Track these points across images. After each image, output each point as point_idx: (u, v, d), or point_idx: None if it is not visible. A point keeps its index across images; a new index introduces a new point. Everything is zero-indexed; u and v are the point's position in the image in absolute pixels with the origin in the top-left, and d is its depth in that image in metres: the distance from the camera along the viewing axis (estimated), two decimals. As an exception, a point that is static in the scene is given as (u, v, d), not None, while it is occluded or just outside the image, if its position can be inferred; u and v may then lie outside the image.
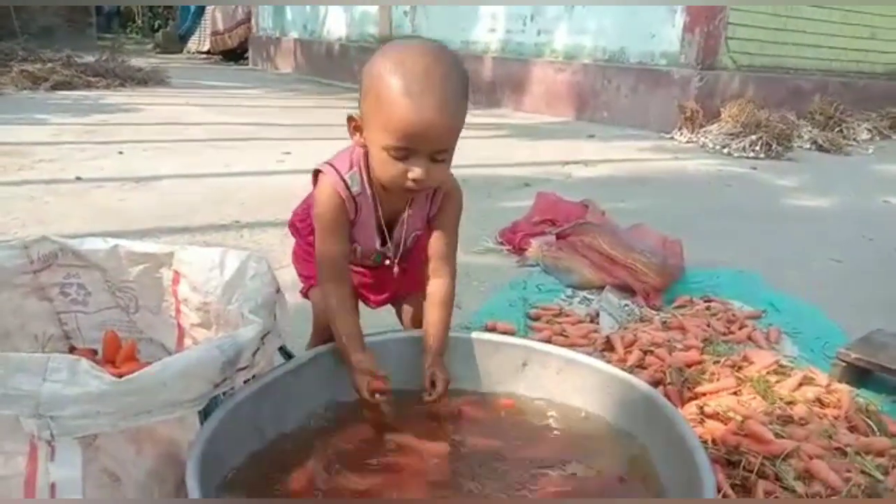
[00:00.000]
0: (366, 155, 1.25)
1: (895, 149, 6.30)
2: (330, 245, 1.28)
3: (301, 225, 1.53)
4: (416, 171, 1.15)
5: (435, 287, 1.35)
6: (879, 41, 7.74)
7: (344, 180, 1.27)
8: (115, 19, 20.95)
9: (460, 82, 1.16)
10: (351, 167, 1.28)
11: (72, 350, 1.40)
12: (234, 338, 1.03)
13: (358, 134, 1.24)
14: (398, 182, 1.18)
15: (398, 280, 1.43)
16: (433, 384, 1.26)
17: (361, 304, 1.44)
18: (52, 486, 0.90)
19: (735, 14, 6.19)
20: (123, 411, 0.91)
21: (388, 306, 1.56)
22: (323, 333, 1.41)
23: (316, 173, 1.31)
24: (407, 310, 1.50)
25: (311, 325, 1.48)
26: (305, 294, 1.52)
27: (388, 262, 1.40)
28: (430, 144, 1.15)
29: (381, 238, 1.35)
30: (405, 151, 1.14)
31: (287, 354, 1.29)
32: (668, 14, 6.21)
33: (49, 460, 0.90)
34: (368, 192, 1.28)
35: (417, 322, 1.41)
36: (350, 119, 1.25)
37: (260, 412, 1.12)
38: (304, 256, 1.51)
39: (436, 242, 1.35)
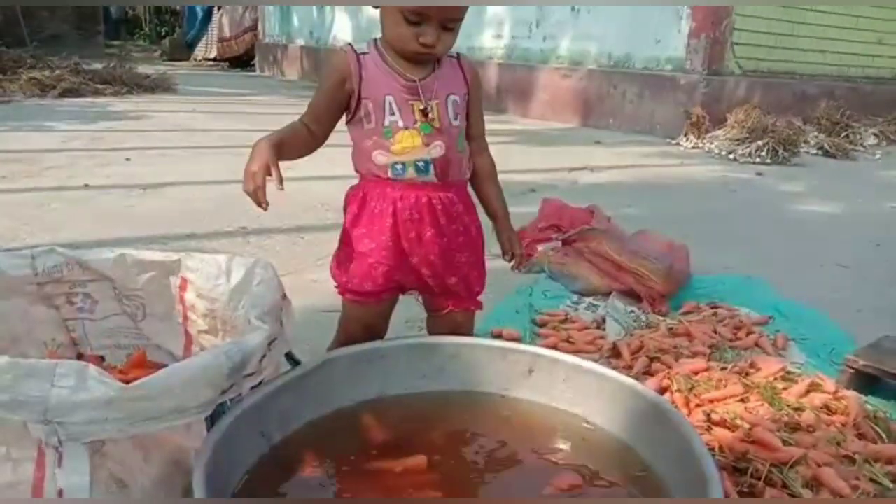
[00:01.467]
0: (380, 25, 1.32)
1: (902, 154, 6.28)
2: (317, 98, 1.37)
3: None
4: (427, 36, 1.24)
5: (482, 163, 1.46)
6: (886, 46, 7.72)
7: (355, 49, 1.34)
8: (123, 26, 21.09)
9: None
10: (368, 46, 1.36)
11: (80, 357, 1.40)
12: (240, 344, 1.04)
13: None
14: (408, 44, 1.26)
15: (431, 254, 1.38)
16: (511, 250, 1.49)
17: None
18: (60, 492, 0.91)
19: (741, 19, 6.19)
20: (131, 417, 0.91)
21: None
22: (346, 339, 1.42)
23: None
24: (440, 326, 1.49)
25: (336, 329, 1.49)
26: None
27: (435, 127, 1.33)
28: (443, 11, 1.22)
29: (408, 88, 1.32)
30: (419, 17, 1.22)
31: (294, 361, 1.29)
32: (674, 20, 6.21)
33: (57, 466, 0.90)
34: (374, 51, 1.33)
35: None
36: None
37: (267, 419, 1.12)
38: (338, 263, 1.48)
39: (474, 121, 1.43)
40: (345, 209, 1.45)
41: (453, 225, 1.39)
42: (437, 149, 1.34)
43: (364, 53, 1.33)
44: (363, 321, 1.44)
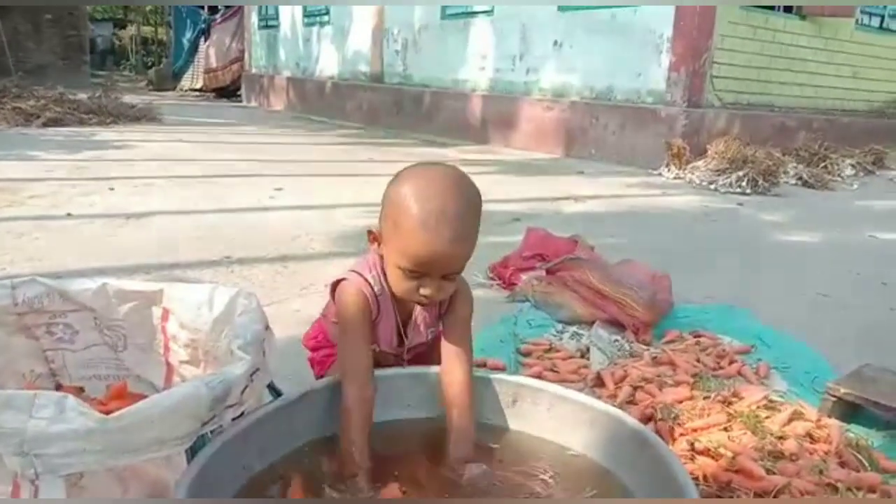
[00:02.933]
0: (382, 258, 1.32)
1: (879, 184, 6.40)
2: (355, 347, 1.28)
3: (314, 344, 1.57)
4: (427, 290, 1.24)
5: (453, 377, 1.31)
6: (861, 80, 7.92)
7: (367, 280, 1.32)
8: (109, 57, 21.18)
9: (475, 214, 1.23)
10: (370, 271, 1.33)
11: (58, 387, 1.38)
12: (222, 375, 1.03)
13: (376, 244, 1.31)
14: (410, 296, 1.26)
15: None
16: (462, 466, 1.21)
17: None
18: (35, 527, 0.89)
19: (720, 53, 6.33)
20: (110, 449, 0.90)
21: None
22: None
23: (335, 284, 1.35)
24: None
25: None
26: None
27: (401, 362, 1.43)
28: (442, 270, 1.22)
29: (398, 338, 1.39)
30: (419, 274, 1.22)
31: (276, 392, 1.29)
32: (654, 53, 6.34)
33: (33, 498, 0.89)
34: (387, 292, 1.33)
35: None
36: (370, 232, 1.33)
37: (248, 450, 1.11)
38: (319, 367, 1.55)
39: (447, 341, 1.35)
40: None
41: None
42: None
43: (380, 294, 1.33)
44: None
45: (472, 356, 1.36)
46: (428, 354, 1.45)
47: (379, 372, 1.31)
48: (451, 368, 1.32)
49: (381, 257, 1.31)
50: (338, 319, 1.33)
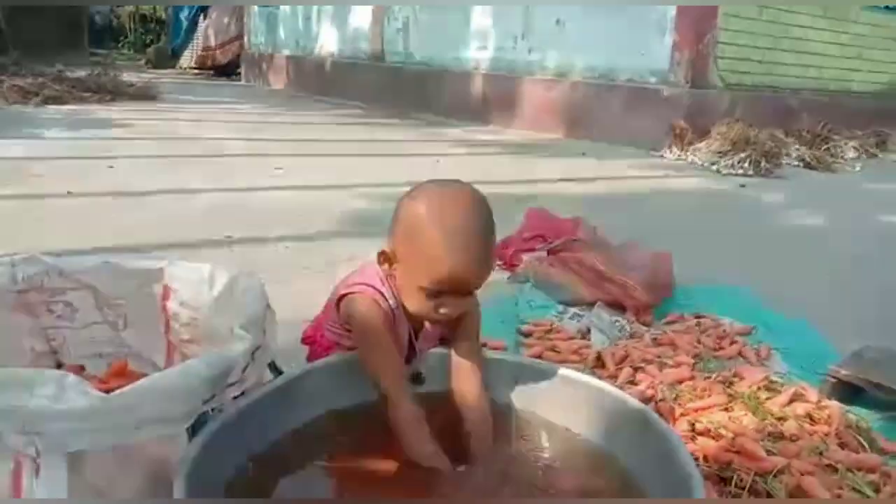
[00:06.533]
0: (394, 279, 1.29)
1: (882, 167, 6.38)
2: (390, 355, 1.25)
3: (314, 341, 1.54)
4: (447, 309, 1.23)
5: (465, 369, 1.30)
6: (866, 61, 7.85)
7: (382, 294, 1.30)
8: (108, 34, 20.98)
9: (493, 231, 1.23)
10: (383, 284, 1.31)
11: (59, 366, 1.38)
12: (223, 353, 1.03)
13: (388, 265, 1.28)
14: (428, 315, 1.25)
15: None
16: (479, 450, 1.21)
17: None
18: (37, 504, 0.89)
19: (724, 33, 6.27)
20: (111, 427, 0.90)
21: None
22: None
23: (340, 298, 1.33)
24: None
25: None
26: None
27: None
28: (465, 289, 1.22)
29: (409, 350, 1.37)
30: (440, 292, 1.21)
31: (277, 370, 1.29)
32: (658, 33, 6.28)
33: (34, 477, 0.89)
34: (401, 306, 1.31)
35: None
36: (382, 253, 1.29)
37: (249, 428, 1.11)
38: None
39: (458, 354, 1.33)
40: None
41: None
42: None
43: (395, 307, 1.31)
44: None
45: (483, 366, 1.33)
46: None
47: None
48: (463, 379, 1.30)
49: (393, 276, 1.29)
50: (358, 332, 1.29)
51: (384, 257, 1.28)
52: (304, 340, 1.57)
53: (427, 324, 1.37)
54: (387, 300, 1.29)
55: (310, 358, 1.56)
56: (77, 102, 7.45)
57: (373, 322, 1.26)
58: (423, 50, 9.00)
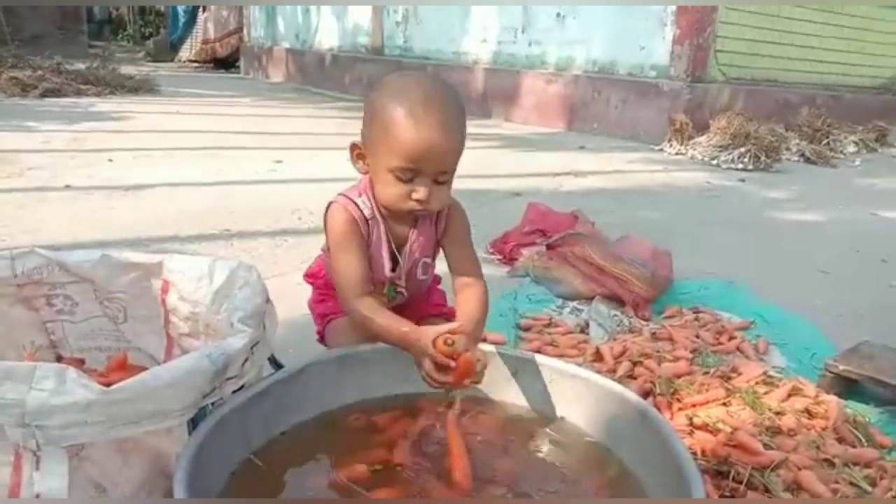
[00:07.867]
0: (371, 184, 1.31)
1: (882, 161, 6.37)
2: (351, 263, 1.29)
3: (314, 277, 1.56)
4: (420, 192, 1.23)
5: (468, 293, 1.34)
6: (867, 55, 7.83)
7: (355, 203, 1.32)
8: (107, 27, 20.91)
9: (458, 107, 1.26)
10: (360, 195, 1.33)
11: (59, 359, 1.39)
12: (223, 347, 1.03)
13: (361, 161, 1.31)
14: (401, 204, 1.25)
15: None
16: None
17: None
18: (37, 497, 0.89)
19: (724, 27, 6.25)
20: (111, 421, 0.90)
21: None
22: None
23: (328, 209, 1.36)
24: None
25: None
26: (321, 336, 1.51)
27: (401, 293, 1.41)
28: (434, 164, 1.22)
29: (391, 262, 1.37)
30: (411, 173, 1.22)
31: (276, 364, 1.29)
32: (658, 27, 6.26)
33: (34, 470, 0.89)
34: (378, 215, 1.33)
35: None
36: (354, 146, 1.31)
37: (249, 422, 1.12)
38: (319, 298, 1.53)
39: (456, 260, 1.38)
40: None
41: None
42: (398, 297, 1.43)
43: (371, 217, 1.33)
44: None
45: (480, 269, 1.38)
46: (428, 296, 1.44)
47: (375, 347, 1.31)
48: (463, 287, 1.35)
49: (370, 181, 1.31)
50: (328, 240, 1.34)
51: (357, 152, 1.31)
52: (307, 278, 1.57)
53: (413, 232, 1.36)
54: (360, 209, 1.31)
55: (312, 296, 1.56)
56: (76, 95, 7.43)
57: (337, 227, 1.30)
58: (422, 43, 8.97)
